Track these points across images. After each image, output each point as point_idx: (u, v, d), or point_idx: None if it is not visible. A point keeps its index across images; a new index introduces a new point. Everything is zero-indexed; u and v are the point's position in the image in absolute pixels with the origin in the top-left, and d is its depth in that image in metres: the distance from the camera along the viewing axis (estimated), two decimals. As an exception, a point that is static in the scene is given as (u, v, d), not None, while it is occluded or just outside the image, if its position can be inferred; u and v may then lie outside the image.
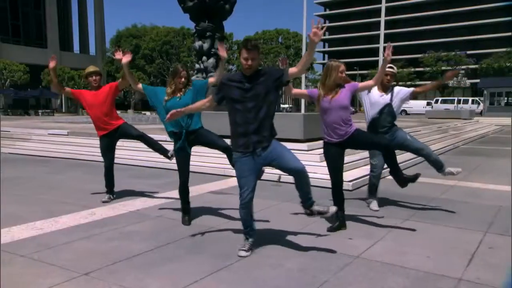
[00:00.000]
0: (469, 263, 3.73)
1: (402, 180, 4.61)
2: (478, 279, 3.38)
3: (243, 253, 3.90)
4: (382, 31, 35.42)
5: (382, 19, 35.26)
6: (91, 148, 10.74)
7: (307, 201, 4.03)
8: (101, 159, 6.15)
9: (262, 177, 7.63)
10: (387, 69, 5.44)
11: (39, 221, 4.86)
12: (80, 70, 49.81)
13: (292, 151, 8.03)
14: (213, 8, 15.60)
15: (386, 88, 5.57)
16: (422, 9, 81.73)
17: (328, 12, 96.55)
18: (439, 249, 4.08)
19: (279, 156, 3.84)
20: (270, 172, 7.75)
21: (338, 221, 4.65)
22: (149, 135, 6.18)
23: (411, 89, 5.72)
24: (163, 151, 5.79)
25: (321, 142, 8.84)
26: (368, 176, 6.69)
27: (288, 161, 3.85)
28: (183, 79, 4.70)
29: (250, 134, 3.71)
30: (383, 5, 35.24)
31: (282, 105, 51.70)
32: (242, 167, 3.86)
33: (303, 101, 38.66)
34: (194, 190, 6.65)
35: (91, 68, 6.02)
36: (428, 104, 48.91)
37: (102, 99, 5.85)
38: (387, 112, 5.52)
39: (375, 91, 5.57)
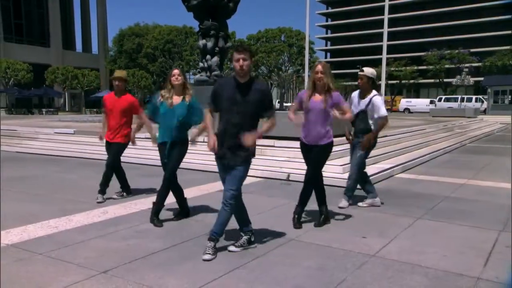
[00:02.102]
0: (487, 262, 3.73)
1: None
2: (497, 278, 3.37)
3: (232, 248, 3.98)
4: (385, 29, 35.36)
5: (386, 17, 35.21)
6: (98, 147, 10.74)
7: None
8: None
9: (271, 176, 7.70)
10: (359, 73, 5.46)
11: (53, 219, 4.87)
12: (83, 69, 49.91)
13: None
14: (217, 6, 15.59)
15: (363, 92, 5.44)
16: (424, 7, 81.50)
17: (330, 10, 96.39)
18: (455, 248, 4.07)
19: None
20: (279, 171, 7.79)
21: (323, 216, 4.90)
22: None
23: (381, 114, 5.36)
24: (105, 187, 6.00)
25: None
26: (375, 175, 6.72)
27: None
28: (175, 76, 4.78)
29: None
30: (387, 3, 35.17)
31: (285, 104, 51.59)
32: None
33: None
34: (204, 189, 6.68)
35: (116, 73, 6.00)
36: (432, 102, 48.84)
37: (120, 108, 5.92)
38: (361, 118, 5.39)
39: (356, 95, 5.53)
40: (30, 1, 57.21)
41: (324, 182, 7.14)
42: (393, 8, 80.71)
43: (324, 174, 7.37)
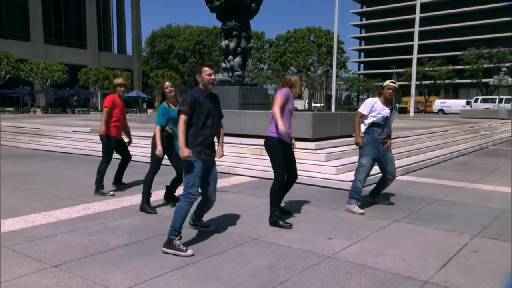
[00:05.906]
0: (443, 266, 3.60)
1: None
2: (446, 283, 3.26)
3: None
4: (416, 28, 34.47)
5: (417, 16, 34.33)
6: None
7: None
8: (115, 155, 6.66)
9: (266, 176, 7.68)
10: (390, 83, 5.48)
11: (33, 214, 5.05)
12: (115, 70, 51.26)
13: (300, 150, 8.05)
14: (240, 7, 15.65)
15: (388, 101, 5.56)
16: (463, 4, 78.81)
17: (364, 9, 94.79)
18: (418, 251, 3.96)
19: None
20: (269, 171, 7.74)
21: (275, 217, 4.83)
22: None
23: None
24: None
25: (329, 142, 8.74)
26: (373, 176, 6.54)
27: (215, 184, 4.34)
28: (168, 89, 5.36)
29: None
30: (418, 2, 34.33)
31: (314, 104, 51.18)
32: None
33: (333, 99, 38.13)
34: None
35: (119, 80, 6.60)
36: (468, 103, 47.28)
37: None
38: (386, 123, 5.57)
39: (379, 103, 5.50)
40: (69, 5, 59.33)
41: (319, 183, 7.12)
42: (431, 6, 78.68)
43: (318, 175, 7.37)
